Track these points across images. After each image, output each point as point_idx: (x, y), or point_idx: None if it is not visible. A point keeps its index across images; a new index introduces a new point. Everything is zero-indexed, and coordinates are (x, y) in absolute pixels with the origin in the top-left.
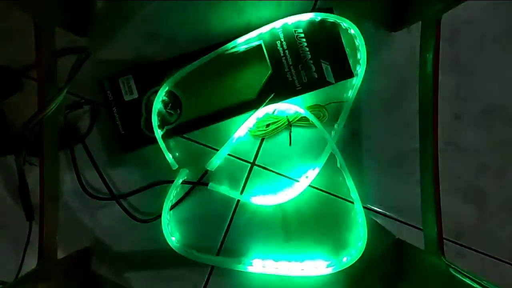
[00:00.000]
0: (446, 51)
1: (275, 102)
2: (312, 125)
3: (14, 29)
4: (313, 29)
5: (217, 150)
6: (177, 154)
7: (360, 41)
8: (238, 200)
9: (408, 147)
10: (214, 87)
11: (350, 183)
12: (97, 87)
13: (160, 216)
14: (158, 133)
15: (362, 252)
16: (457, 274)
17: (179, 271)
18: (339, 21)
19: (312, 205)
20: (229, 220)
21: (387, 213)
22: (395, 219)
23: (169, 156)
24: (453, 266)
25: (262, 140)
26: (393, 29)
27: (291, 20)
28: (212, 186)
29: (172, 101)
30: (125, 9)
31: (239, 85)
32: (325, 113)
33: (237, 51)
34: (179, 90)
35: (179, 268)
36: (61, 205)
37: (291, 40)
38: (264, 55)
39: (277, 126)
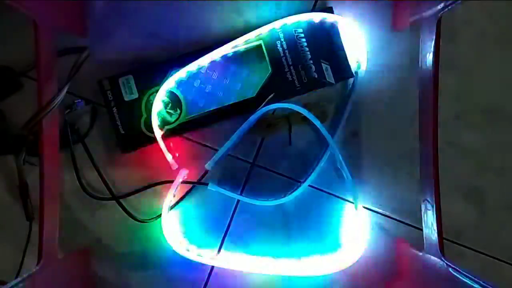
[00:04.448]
0: (446, 51)
1: (275, 102)
2: (312, 125)
3: (14, 29)
4: (313, 29)
5: (217, 150)
6: (177, 154)
7: (360, 41)
8: (238, 200)
9: (408, 147)
10: (214, 87)
11: (350, 183)
12: (97, 87)
13: (160, 216)
14: (158, 133)
15: (362, 252)
16: (457, 274)
17: (179, 271)
18: (339, 21)
19: (312, 205)
20: (229, 220)
21: (387, 213)
22: (395, 219)
23: (169, 156)
24: (453, 266)
25: (262, 140)
26: (393, 29)
27: (291, 20)
28: (212, 186)
29: (172, 101)
30: (125, 9)
31: (239, 85)
32: (325, 113)
33: (237, 51)
34: (179, 90)
35: (179, 268)
36: (61, 205)
37: (291, 40)
38: (264, 55)
39: (277, 126)
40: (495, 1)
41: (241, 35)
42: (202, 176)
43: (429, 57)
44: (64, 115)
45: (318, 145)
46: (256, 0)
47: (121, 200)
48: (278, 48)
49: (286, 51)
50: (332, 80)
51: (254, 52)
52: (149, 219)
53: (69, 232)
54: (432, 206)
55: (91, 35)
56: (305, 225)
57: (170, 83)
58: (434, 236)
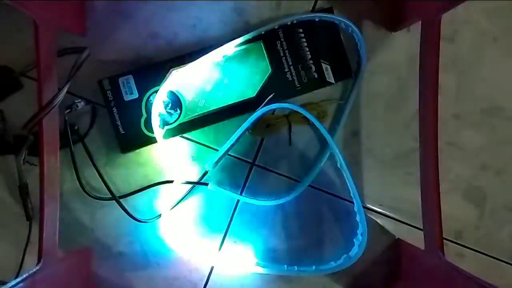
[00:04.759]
0: (446, 51)
1: (275, 102)
2: (312, 125)
3: (14, 29)
4: (313, 29)
5: (217, 150)
6: (177, 154)
7: (360, 41)
8: (238, 200)
9: (408, 147)
10: (214, 87)
11: (350, 183)
12: (97, 87)
13: (160, 216)
14: (158, 133)
15: (362, 252)
16: (457, 274)
17: (179, 271)
18: (339, 21)
19: (312, 205)
20: (229, 220)
21: (387, 213)
22: (395, 219)
23: (169, 156)
24: (453, 266)
25: (262, 140)
26: (393, 29)
27: (291, 20)
28: (212, 186)
29: (172, 101)
30: (125, 9)
31: (239, 85)
32: (325, 113)
33: (237, 51)
34: (179, 90)
35: (179, 268)
36: (61, 205)
37: (291, 40)
38: (264, 55)
39: (277, 126)
40: (495, 1)
41: (241, 35)
42: (202, 176)
43: (429, 57)
44: (64, 115)
45: (318, 145)
46: (256, 0)
47: (121, 200)
48: (278, 48)
49: (286, 51)
50: (332, 80)
51: (254, 52)
52: (149, 219)
53: (69, 232)
54: (432, 206)
55: (91, 35)
56: (305, 225)
57: (170, 83)
58: (434, 236)
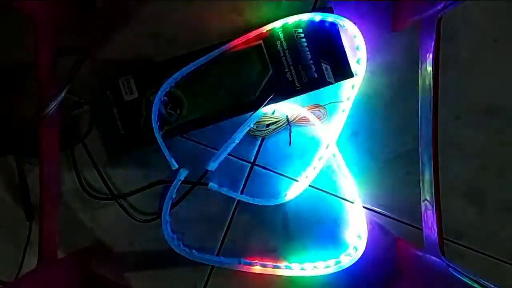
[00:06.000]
0: (446, 51)
1: (275, 102)
2: (312, 125)
3: (14, 29)
4: (313, 29)
5: (217, 150)
6: (177, 154)
7: (360, 41)
8: (238, 200)
9: (408, 147)
10: (214, 87)
11: (350, 183)
12: (97, 87)
13: (160, 216)
14: (158, 133)
15: (362, 252)
16: (457, 274)
17: (179, 271)
18: (339, 21)
19: (312, 205)
20: (229, 220)
21: (387, 213)
22: (395, 219)
23: (169, 156)
24: (453, 266)
25: (262, 140)
26: (393, 29)
27: (291, 20)
28: (212, 186)
29: (172, 101)
30: (125, 9)
31: (239, 85)
32: (325, 113)
33: (237, 51)
34: (179, 90)
35: (179, 268)
36: (61, 205)
37: (291, 40)
38: (264, 55)
39: (277, 126)
40: (495, 1)
41: (241, 35)
42: (202, 176)
43: (429, 57)
44: (64, 115)
45: (318, 145)
46: (256, 0)
47: (121, 200)
48: (278, 48)
49: (286, 51)
50: (332, 80)
51: (254, 52)
52: (149, 219)
53: (69, 232)
54: (432, 206)
55: (91, 35)
56: (305, 225)
57: (170, 83)
58: (434, 236)
